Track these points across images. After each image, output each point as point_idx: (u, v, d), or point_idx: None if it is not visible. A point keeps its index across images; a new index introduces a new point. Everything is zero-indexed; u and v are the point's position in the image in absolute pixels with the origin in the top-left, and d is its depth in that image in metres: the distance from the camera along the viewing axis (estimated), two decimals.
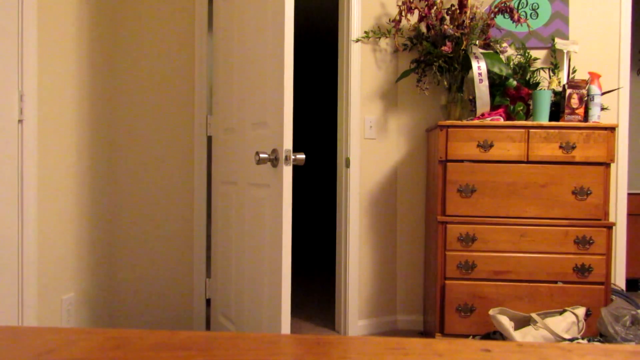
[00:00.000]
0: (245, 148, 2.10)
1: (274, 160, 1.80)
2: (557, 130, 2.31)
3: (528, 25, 2.51)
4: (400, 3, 2.76)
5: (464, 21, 2.46)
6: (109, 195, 2.50)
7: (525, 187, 2.31)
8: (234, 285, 2.22)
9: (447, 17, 2.56)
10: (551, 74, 2.69)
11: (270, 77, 1.88)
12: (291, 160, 1.75)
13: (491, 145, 2.31)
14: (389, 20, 2.77)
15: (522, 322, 2.15)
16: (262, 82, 1.95)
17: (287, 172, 1.75)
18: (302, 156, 1.76)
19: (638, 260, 3.70)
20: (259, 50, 2.00)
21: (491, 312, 2.12)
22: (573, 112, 2.39)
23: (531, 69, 2.68)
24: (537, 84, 2.61)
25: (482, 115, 2.43)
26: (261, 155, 1.76)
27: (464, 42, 2.43)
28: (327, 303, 3.35)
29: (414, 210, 2.81)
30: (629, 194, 3.67)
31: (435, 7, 2.55)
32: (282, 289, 1.76)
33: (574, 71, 2.72)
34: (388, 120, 2.78)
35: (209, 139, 2.95)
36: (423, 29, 2.69)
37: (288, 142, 1.75)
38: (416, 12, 2.70)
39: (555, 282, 2.30)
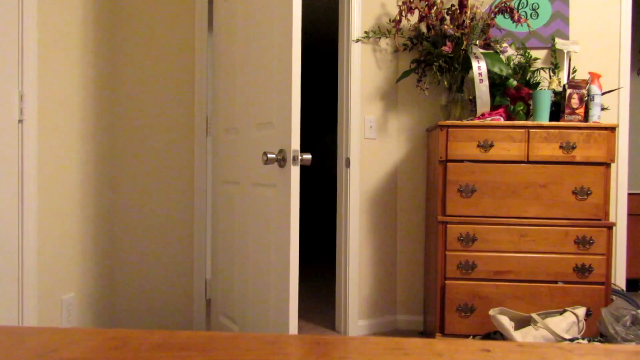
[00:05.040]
0: (249, 148, 2.09)
1: (282, 160, 1.80)
2: (557, 130, 2.31)
3: (528, 25, 2.51)
4: (400, 3, 2.76)
5: (464, 21, 2.46)
6: (109, 196, 2.50)
7: (526, 187, 2.31)
8: (237, 285, 2.22)
9: (447, 17, 2.56)
10: (551, 74, 2.69)
11: (277, 78, 1.88)
12: (299, 160, 1.75)
13: (491, 145, 2.31)
14: (389, 20, 2.77)
15: (522, 322, 2.15)
16: (267, 82, 1.95)
17: (295, 172, 1.75)
18: (308, 156, 1.76)
19: (638, 260, 3.70)
20: (264, 50, 2.00)
21: (491, 312, 2.12)
22: (573, 112, 2.39)
23: (531, 69, 2.68)
24: (538, 84, 2.61)
25: (482, 115, 2.43)
26: (269, 156, 1.76)
27: (464, 42, 2.43)
28: (327, 303, 3.35)
29: (414, 210, 2.81)
30: (629, 194, 3.67)
31: (435, 7, 2.55)
32: (290, 288, 1.76)
33: (574, 71, 2.72)
34: (388, 120, 2.78)
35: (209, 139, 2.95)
36: (423, 29, 2.69)
37: (296, 143, 1.75)
38: (416, 12, 2.70)
39: (556, 282, 2.30)
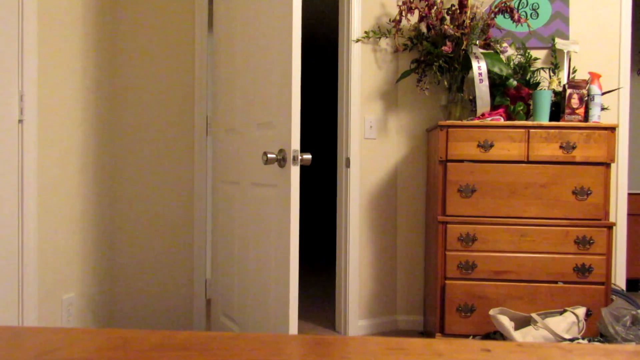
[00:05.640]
0: (249, 148, 2.10)
1: (282, 160, 1.80)
2: (557, 130, 2.31)
3: (528, 25, 2.51)
4: (400, 3, 2.76)
5: (464, 21, 2.46)
6: (110, 195, 2.50)
7: (526, 187, 2.31)
8: (237, 285, 2.22)
9: (448, 17, 2.56)
10: (551, 74, 2.69)
11: (277, 77, 1.88)
12: (299, 160, 1.75)
13: (491, 145, 2.31)
14: (389, 20, 2.77)
15: (522, 322, 2.15)
16: (268, 82, 1.95)
17: (295, 172, 1.75)
18: (308, 156, 1.76)
19: (638, 260, 3.70)
20: (264, 50, 2.00)
21: (491, 312, 2.12)
22: (573, 112, 2.39)
23: (531, 69, 2.68)
24: (538, 84, 2.61)
25: (482, 115, 2.43)
26: (269, 156, 1.76)
27: (464, 42, 2.43)
28: (327, 303, 3.35)
29: (414, 210, 2.81)
30: (629, 194, 3.67)
31: (435, 7, 2.55)
32: (290, 288, 1.76)
33: (574, 71, 2.72)
34: (388, 120, 2.78)
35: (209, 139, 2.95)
36: (423, 28, 2.69)
37: (296, 142, 1.75)
38: (416, 12, 2.69)
39: (556, 282, 2.30)
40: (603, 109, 2.63)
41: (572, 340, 2.06)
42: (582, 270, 2.28)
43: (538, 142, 2.31)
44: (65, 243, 2.10)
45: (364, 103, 2.73)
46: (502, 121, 2.36)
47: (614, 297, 2.41)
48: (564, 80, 2.68)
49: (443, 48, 2.44)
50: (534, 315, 2.10)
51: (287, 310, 1.77)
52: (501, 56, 2.53)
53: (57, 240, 2.04)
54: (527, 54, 2.68)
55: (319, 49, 5.99)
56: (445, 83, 2.57)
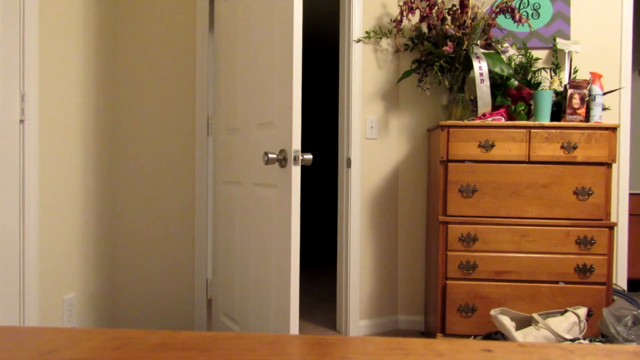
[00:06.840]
0: (250, 148, 2.10)
1: (282, 160, 1.80)
2: (558, 131, 2.30)
3: (529, 25, 2.51)
4: (401, 3, 2.76)
5: (465, 21, 2.45)
6: (111, 195, 2.50)
7: (527, 187, 2.31)
8: (237, 285, 2.22)
9: (449, 17, 2.56)
10: (552, 74, 2.69)
11: (278, 78, 1.88)
12: (300, 160, 1.75)
13: (492, 146, 2.31)
14: (390, 20, 2.76)
15: (523, 323, 2.15)
16: (268, 82, 1.95)
17: (296, 172, 1.75)
18: (309, 156, 1.76)
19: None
20: (265, 50, 2.00)
21: (492, 312, 2.12)
22: (574, 112, 2.39)
23: (532, 69, 2.67)
24: (539, 84, 2.60)
25: (484, 115, 2.43)
26: (270, 156, 1.76)
27: (465, 42, 2.43)
28: (328, 303, 3.35)
29: (415, 210, 2.81)
30: (631, 194, 3.66)
31: (436, 7, 2.55)
32: (291, 288, 1.76)
33: (576, 71, 2.72)
34: (389, 120, 2.78)
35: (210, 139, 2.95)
36: (424, 29, 2.69)
37: (297, 143, 1.75)
38: (417, 12, 2.69)
39: (557, 283, 2.30)
40: (604, 109, 2.62)
41: (573, 340, 2.05)
42: (584, 270, 2.28)
43: (539, 142, 2.31)
44: (67, 243, 2.11)
45: (365, 103, 2.73)
46: (503, 121, 2.36)
47: (615, 297, 2.41)
48: (565, 81, 2.68)
49: (444, 48, 2.44)
50: (535, 315, 2.10)
51: (288, 310, 1.77)
52: (502, 56, 2.53)
53: (58, 240, 2.04)
54: (528, 54, 2.68)
55: (320, 49, 5.99)
56: (446, 83, 2.57)
